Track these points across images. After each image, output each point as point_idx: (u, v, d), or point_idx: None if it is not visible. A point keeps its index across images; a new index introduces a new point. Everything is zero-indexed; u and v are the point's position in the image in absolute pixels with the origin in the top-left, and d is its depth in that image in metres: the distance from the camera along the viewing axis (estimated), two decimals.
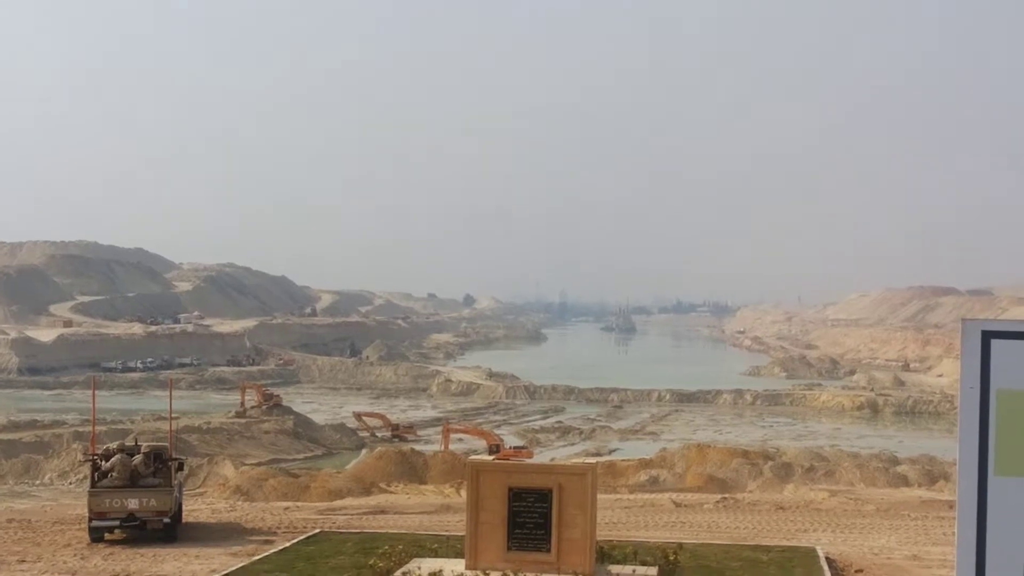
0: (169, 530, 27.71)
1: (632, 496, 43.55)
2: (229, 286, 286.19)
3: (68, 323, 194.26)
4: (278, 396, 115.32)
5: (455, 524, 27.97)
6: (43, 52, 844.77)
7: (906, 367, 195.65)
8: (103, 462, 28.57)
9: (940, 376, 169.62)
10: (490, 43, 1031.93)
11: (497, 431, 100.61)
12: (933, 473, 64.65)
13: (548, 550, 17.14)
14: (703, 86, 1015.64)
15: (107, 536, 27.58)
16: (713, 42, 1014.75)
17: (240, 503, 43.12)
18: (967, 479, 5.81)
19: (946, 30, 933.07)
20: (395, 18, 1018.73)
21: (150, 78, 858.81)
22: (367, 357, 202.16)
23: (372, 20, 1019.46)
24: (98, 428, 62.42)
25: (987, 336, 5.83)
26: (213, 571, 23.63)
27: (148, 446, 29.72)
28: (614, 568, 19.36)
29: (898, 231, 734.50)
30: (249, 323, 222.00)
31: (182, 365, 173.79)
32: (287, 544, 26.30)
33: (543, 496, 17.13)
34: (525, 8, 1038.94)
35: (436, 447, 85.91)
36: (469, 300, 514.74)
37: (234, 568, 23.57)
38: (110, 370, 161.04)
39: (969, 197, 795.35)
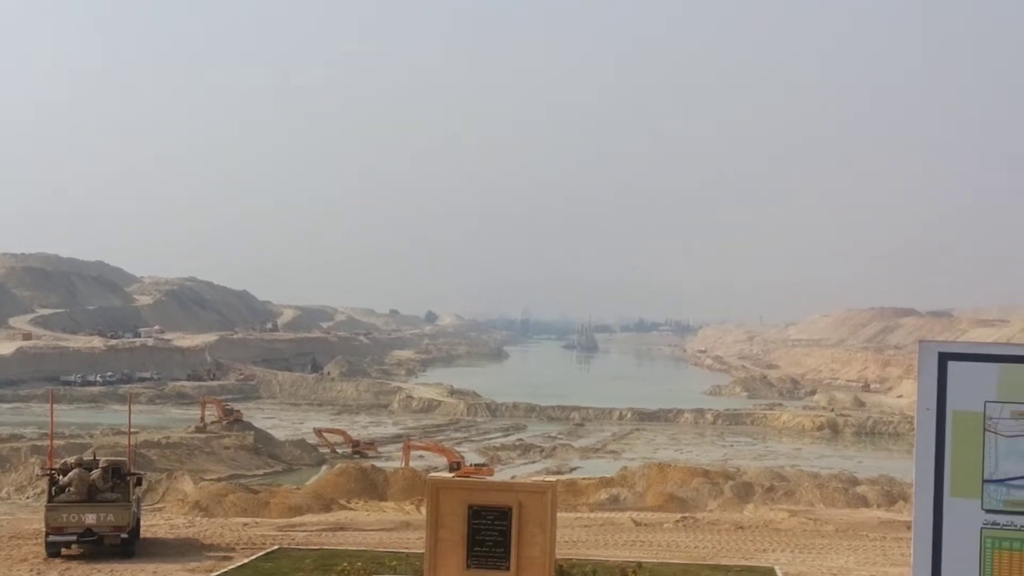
0: (127, 545, 27.52)
1: (592, 515, 43.60)
2: (190, 300, 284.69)
3: (27, 336, 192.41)
4: (238, 411, 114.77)
5: (415, 541, 27.92)
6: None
7: (866, 388, 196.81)
8: (61, 476, 28.35)
9: (900, 397, 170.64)
10: (460, 61, 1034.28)
11: (458, 448, 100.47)
12: (892, 494, 64.95)
13: (507, 568, 17.06)
14: (663, 102, 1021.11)
15: (64, 551, 27.35)
16: (674, 58, 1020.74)
17: (199, 519, 42.83)
18: (923, 500, 5.86)
19: (940, 37, 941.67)
20: (361, 51, 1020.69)
21: (112, 93, 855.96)
22: (328, 373, 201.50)
23: (340, 48, 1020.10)
24: (56, 442, 61.91)
25: (944, 358, 5.89)
26: None
27: (106, 461, 29.52)
28: None
29: (859, 252, 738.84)
30: (210, 338, 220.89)
31: (142, 379, 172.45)
32: (245, 560, 26.16)
33: (503, 514, 17.05)
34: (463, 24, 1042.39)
35: (397, 464, 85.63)
36: (431, 317, 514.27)
37: None
38: (69, 384, 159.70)
39: (929, 219, 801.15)
